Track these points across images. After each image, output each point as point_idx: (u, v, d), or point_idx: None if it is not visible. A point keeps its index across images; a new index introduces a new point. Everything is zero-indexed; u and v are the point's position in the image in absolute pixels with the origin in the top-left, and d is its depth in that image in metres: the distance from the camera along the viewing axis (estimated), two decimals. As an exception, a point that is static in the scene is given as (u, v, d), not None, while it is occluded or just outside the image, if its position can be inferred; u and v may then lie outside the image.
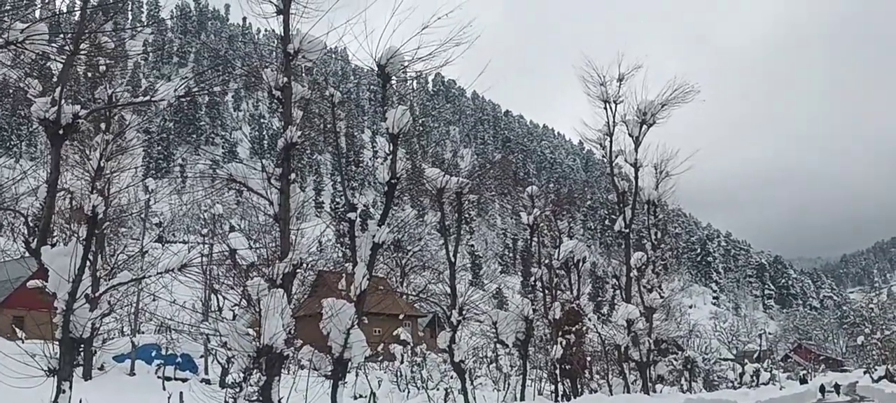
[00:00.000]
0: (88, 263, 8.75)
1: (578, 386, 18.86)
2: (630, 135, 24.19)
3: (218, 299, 26.63)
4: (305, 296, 22.09)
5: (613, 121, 24.06)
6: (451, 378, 18.35)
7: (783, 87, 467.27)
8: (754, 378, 44.60)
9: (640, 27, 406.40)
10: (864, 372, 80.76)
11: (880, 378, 61.95)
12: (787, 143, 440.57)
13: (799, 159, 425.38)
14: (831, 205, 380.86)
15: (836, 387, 72.50)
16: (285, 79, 10.52)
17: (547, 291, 19.74)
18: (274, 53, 11.38)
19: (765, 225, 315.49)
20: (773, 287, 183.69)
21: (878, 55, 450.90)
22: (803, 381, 79.13)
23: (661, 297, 24.71)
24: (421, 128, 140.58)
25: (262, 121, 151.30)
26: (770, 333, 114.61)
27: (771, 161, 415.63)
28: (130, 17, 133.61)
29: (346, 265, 11.92)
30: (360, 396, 21.80)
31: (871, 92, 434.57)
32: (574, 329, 19.03)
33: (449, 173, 15.43)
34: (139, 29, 66.63)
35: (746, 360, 49.91)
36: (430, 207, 15.23)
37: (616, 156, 24.39)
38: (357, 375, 22.12)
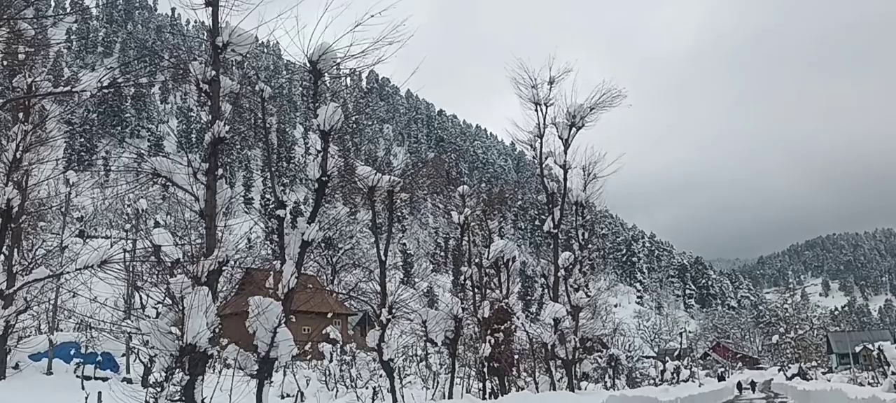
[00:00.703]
0: (3, 258, 8.39)
1: (506, 384, 19.14)
2: (560, 137, 24.64)
3: (141, 296, 25.86)
4: (232, 294, 21.69)
5: (544, 124, 24.49)
6: (380, 376, 18.34)
7: (704, 94, 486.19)
8: (675, 375, 46.07)
9: (568, 33, 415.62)
10: (779, 370, 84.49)
11: (793, 376, 64.94)
12: (709, 148, 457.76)
13: (720, 164, 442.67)
14: (749, 209, 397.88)
15: (752, 384, 75.63)
16: (214, 72, 10.33)
17: (477, 290, 19.95)
18: (202, 46, 11.17)
19: (687, 226, 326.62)
20: (693, 287, 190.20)
21: (792, 67, 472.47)
22: (721, 378, 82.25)
23: (588, 296, 25.28)
24: (354, 126, 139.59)
25: (189, 114, 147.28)
26: (690, 331, 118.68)
27: (694, 165, 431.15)
28: (53, 4, 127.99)
29: (275, 262, 11.77)
30: (288, 395, 21.54)
31: (785, 101, 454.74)
32: (503, 327, 19.30)
33: (382, 171, 15.43)
34: (62, 16, 63.95)
35: (668, 358, 51.52)
36: (362, 205, 15.21)
37: (546, 158, 24.82)
38: (285, 374, 21.85)
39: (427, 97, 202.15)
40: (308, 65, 11.92)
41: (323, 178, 11.58)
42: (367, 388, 20.08)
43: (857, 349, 70.53)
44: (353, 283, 47.49)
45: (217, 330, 9.40)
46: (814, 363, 78.38)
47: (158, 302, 15.90)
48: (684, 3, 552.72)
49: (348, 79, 15.83)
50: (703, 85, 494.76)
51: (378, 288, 14.88)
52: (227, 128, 10.19)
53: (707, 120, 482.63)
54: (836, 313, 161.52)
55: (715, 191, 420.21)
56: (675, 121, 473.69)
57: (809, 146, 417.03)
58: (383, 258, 14.65)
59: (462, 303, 17.56)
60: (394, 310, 14.29)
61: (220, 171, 10.23)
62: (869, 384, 35.62)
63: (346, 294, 47.61)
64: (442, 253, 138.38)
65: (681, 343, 66.83)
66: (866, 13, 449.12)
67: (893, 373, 27.92)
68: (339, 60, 12.16)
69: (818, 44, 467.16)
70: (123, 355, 27.42)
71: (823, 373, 68.33)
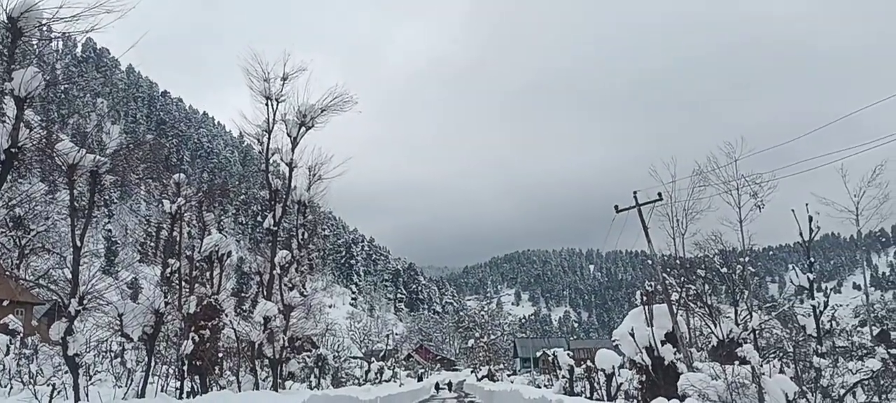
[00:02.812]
0: None
1: (207, 383, 18.53)
2: (289, 134, 24.61)
3: None
4: None
5: (274, 119, 24.31)
6: (66, 372, 16.69)
7: (429, 110, 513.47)
8: (378, 375, 48.00)
9: (313, 36, 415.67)
10: (471, 372, 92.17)
11: (483, 377, 71.27)
12: (429, 162, 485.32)
13: (437, 177, 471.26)
14: (460, 221, 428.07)
15: (449, 385, 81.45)
16: None
17: (185, 283, 19.08)
18: None
19: (404, 233, 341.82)
20: (405, 291, 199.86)
21: (505, 96, 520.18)
22: (420, 379, 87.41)
23: (303, 295, 25.45)
24: (62, 96, 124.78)
25: None
26: (398, 334, 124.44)
27: (414, 176, 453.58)
28: None
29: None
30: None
31: (497, 126, 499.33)
32: (210, 324, 18.67)
33: (92, 149, 14.14)
34: None
35: (374, 358, 53.51)
36: (63, 184, 13.75)
37: (273, 154, 24.62)
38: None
39: (151, 76, 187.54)
40: (6, 20, 10.62)
41: (12, 149, 10.37)
42: (47, 385, 18.11)
43: (538, 354, 79.28)
44: (45, 270, 42.46)
45: None
46: (501, 365, 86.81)
47: None
48: (425, 24, 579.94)
49: (60, 42, 14.28)
50: (428, 102, 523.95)
51: (70, 276, 13.58)
52: None
53: (430, 135, 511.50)
54: (524, 321, 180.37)
55: (431, 202, 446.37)
56: (402, 134, 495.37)
57: (514, 168, 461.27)
58: (79, 243, 13.41)
59: (166, 297, 16.67)
60: (86, 301, 13.14)
61: None
62: (545, 385, 40.45)
63: (34, 281, 42.43)
64: (152, 244, 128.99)
65: (387, 345, 69.86)
66: (560, 68, 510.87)
67: (564, 376, 32.10)
68: (44, 22, 11.01)
69: (525, 82, 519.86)
70: None
71: (508, 375, 76.04)
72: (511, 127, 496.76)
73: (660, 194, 25.00)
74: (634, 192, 23.46)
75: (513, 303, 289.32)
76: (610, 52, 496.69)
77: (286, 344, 22.32)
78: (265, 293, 24.02)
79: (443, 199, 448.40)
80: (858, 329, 44.91)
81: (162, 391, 18.05)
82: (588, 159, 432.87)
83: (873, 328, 40.74)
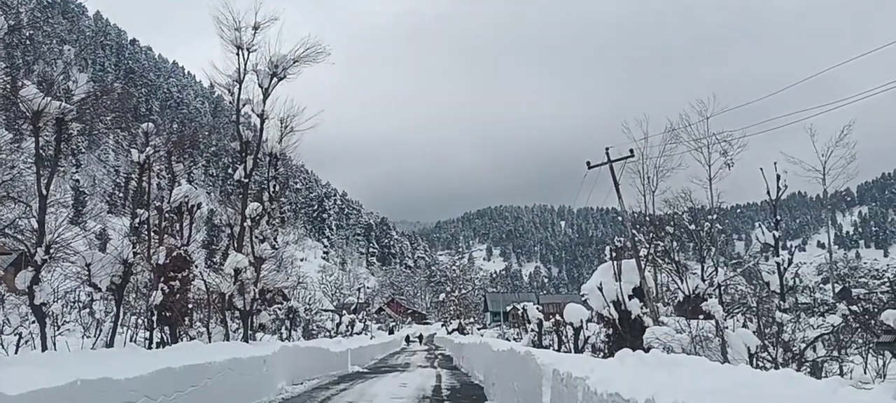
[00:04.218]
0: None
1: (177, 334, 18.52)
2: (260, 85, 24.21)
3: None
4: None
5: (245, 69, 23.87)
6: (33, 322, 16.55)
7: (402, 64, 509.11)
8: (350, 328, 48.32)
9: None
10: (442, 325, 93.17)
11: (453, 331, 72.05)
12: (403, 115, 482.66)
13: (411, 131, 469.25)
14: (433, 176, 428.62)
15: (420, 337, 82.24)
16: None
17: (155, 234, 18.92)
18: None
19: (377, 187, 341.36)
20: (377, 245, 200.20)
21: (474, 45, 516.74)
22: (391, 332, 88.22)
23: (274, 248, 25.36)
24: (27, 42, 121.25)
25: None
26: (369, 287, 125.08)
27: (387, 130, 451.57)
28: None
29: None
30: None
31: (471, 80, 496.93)
32: (180, 275, 18.58)
33: (58, 97, 13.82)
34: None
35: (345, 311, 53.78)
36: (29, 132, 13.42)
37: (244, 105, 24.23)
38: None
39: (120, 23, 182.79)
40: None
41: (-27, 95, 10.08)
42: (14, 335, 17.96)
43: (508, 308, 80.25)
44: (11, 219, 41.74)
45: None
46: (472, 319, 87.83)
47: None
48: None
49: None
50: (399, 55, 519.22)
51: (36, 226, 13.39)
52: None
53: (401, 89, 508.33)
54: (495, 276, 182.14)
55: (404, 156, 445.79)
56: (374, 87, 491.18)
57: (487, 124, 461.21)
58: (44, 192, 13.20)
59: (135, 248, 16.53)
60: (52, 251, 12.98)
61: None
62: (514, 339, 41.07)
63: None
64: (121, 194, 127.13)
65: (359, 298, 70.18)
66: (531, 23, 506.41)
67: (533, 330, 32.60)
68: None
69: (495, 35, 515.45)
70: None
71: (478, 329, 77.00)
72: (482, 81, 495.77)
73: (631, 151, 25.17)
74: (606, 148, 23.58)
75: (484, 259, 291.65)
76: (582, 3, 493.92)
77: (257, 296, 22.30)
78: (236, 245, 23.87)
79: (415, 154, 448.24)
80: (821, 286, 46.11)
81: (131, 341, 18.00)
82: (560, 115, 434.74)
83: (835, 285, 41.86)
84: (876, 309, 20.12)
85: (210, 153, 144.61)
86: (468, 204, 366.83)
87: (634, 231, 24.83)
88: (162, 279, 17.39)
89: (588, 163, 23.61)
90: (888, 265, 60.64)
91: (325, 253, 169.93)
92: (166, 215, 19.76)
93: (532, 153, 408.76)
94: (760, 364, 15.06)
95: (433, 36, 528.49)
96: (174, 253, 18.33)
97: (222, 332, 20.83)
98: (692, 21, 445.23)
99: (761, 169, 28.92)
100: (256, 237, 23.25)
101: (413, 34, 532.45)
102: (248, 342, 20.79)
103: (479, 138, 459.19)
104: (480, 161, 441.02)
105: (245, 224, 23.35)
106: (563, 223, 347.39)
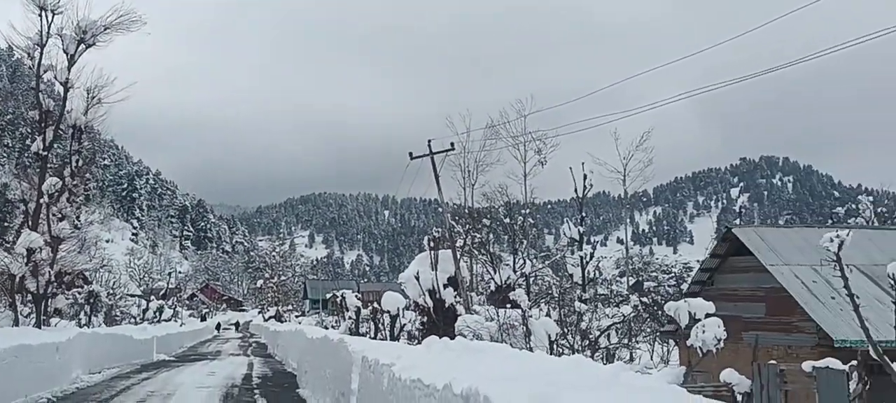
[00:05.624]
0: None
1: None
2: (65, 51, 22.43)
3: None
4: None
5: (48, 32, 22.02)
6: None
7: (227, 40, 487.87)
8: (157, 314, 45.89)
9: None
10: (259, 313, 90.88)
11: (270, 318, 70.60)
12: (225, 94, 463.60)
13: (232, 110, 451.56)
14: (256, 160, 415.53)
15: (236, 325, 79.84)
16: None
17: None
18: None
19: (194, 169, 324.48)
20: (192, 229, 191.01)
21: (314, 44, 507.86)
22: (203, 318, 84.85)
23: (76, 228, 23.63)
24: None
25: None
26: (182, 272, 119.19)
27: (208, 107, 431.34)
28: None
29: None
30: None
31: (302, 71, 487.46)
32: (-39, 254, 16.80)
33: None
34: None
35: (153, 297, 50.97)
36: None
37: (45, 71, 22.35)
38: None
39: None
40: None
41: None
42: None
43: (328, 295, 79.73)
44: None
45: None
46: (290, 306, 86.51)
47: None
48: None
49: None
50: (226, 33, 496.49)
51: None
52: None
53: (230, 67, 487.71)
54: (316, 263, 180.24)
55: (225, 138, 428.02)
56: (198, 63, 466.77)
57: (315, 111, 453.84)
58: None
59: None
60: None
61: None
62: (332, 326, 41.05)
63: None
64: None
65: (169, 283, 66.72)
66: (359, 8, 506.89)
67: (350, 318, 32.81)
68: None
69: (325, 27, 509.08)
70: None
71: (296, 316, 75.99)
72: (312, 71, 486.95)
73: (452, 144, 26.15)
74: (429, 141, 24.31)
75: (306, 245, 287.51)
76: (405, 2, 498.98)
77: (53, 279, 20.70)
78: (31, 223, 21.92)
79: (237, 137, 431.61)
80: (618, 279, 50.44)
81: None
82: (388, 108, 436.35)
83: (630, 279, 45.93)
84: (663, 301, 22.42)
85: (6, 121, 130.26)
86: (292, 190, 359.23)
87: (453, 222, 25.84)
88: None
89: (411, 154, 24.22)
90: (676, 261, 67.46)
91: (134, 234, 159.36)
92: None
93: (359, 143, 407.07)
94: (560, 350, 16.33)
95: (260, 18, 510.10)
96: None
97: (11, 317, 19.10)
98: (514, 27, 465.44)
99: (570, 168, 31.15)
100: (55, 215, 21.52)
101: (239, 12, 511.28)
102: (40, 328, 19.23)
103: (304, 124, 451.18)
104: (306, 147, 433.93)
105: (42, 200, 21.52)
106: (386, 212, 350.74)
